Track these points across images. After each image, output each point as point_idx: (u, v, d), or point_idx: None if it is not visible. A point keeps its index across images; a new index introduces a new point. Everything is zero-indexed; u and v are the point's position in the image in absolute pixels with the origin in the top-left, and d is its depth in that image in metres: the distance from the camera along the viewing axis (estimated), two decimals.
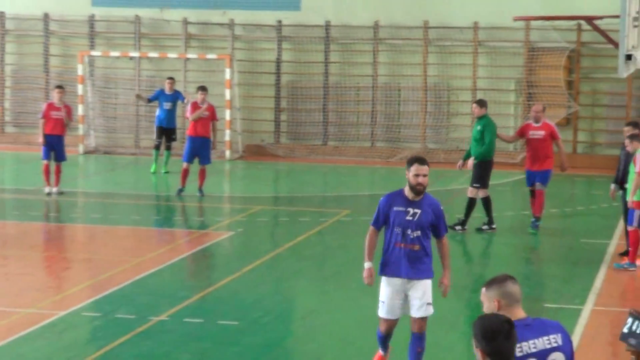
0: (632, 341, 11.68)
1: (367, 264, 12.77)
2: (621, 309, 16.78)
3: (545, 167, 22.43)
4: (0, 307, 16.61)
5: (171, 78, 31.15)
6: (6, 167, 33.11)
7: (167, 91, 30.61)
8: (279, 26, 35.42)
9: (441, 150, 34.17)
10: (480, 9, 33.78)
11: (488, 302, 7.65)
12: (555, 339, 7.60)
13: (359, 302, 17.88)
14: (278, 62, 35.70)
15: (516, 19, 32.31)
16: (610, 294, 18.25)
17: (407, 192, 12.39)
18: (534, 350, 7.47)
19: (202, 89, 27.50)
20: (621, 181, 20.02)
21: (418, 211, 12.33)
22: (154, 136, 31.30)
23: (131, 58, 35.94)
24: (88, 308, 16.79)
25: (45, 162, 26.10)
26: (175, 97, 30.74)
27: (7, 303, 16.91)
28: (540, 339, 7.52)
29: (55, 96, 26.86)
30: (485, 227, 22.98)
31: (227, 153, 34.01)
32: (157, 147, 30.60)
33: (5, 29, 37.09)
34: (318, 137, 35.27)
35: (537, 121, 22.50)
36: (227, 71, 34.40)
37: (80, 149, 35.03)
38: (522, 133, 23.06)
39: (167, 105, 30.45)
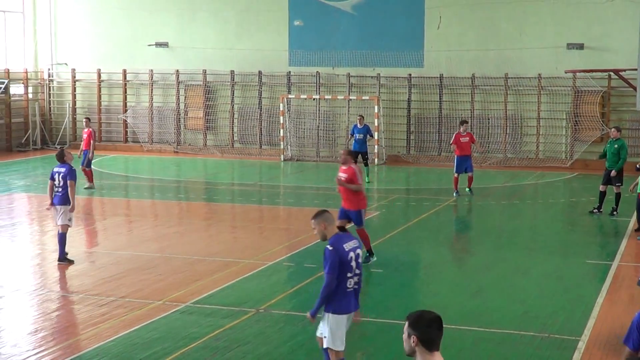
0: None
1: None
2: (637, 264, 16.42)
3: (355, 208, 15.93)
4: (230, 259, 16.88)
5: (361, 115, 28.87)
6: (235, 169, 33.53)
7: (359, 125, 28.15)
8: (409, 77, 35.18)
9: (516, 158, 33.56)
10: (543, 65, 33.16)
11: (318, 225, 9.08)
12: (355, 243, 9.25)
13: (462, 259, 17.75)
14: (409, 101, 35.46)
15: (567, 72, 31.77)
16: (630, 254, 17.73)
17: None
18: (349, 248, 9.13)
19: (464, 122, 25.39)
20: None
21: None
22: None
23: (314, 99, 36.07)
24: (286, 260, 16.95)
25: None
26: (366, 129, 28.11)
27: (235, 256, 17.17)
28: (350, 242, 9.19)
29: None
30: (615, 213, 21.64)
31: (376, 160, 33.92)
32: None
33: (235, 81, 37.62)
34: (435, 149, 34.94)
35: (344, 163, 15.97)
36: (376, 107, 34.25)
37: (281, 157, 35.36)
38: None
39: (359, 136, 27.98)
